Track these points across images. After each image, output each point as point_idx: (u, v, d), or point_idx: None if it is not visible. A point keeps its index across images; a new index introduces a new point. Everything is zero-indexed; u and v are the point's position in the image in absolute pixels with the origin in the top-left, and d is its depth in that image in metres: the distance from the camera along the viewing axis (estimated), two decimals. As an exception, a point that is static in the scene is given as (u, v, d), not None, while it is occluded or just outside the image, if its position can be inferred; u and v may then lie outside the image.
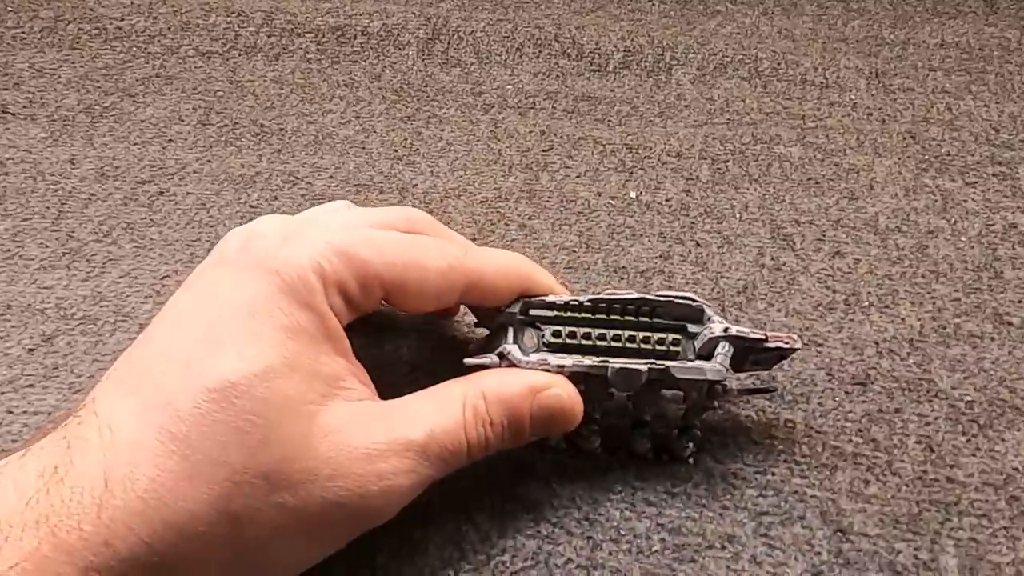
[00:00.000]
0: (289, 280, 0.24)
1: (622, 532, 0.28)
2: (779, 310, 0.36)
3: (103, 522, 0.20)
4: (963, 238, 0.40)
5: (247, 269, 0.24)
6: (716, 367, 0.28)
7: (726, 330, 0.28)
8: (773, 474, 0.30)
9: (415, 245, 0.27)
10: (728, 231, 0.40)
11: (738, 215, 0.41)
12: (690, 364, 0.28)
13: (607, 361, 0.28)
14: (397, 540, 0.28)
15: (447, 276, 0.27)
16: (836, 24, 0.57)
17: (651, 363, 0.28)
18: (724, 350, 0.28)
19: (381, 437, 0.23)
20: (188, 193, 0.42)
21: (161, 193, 0.42)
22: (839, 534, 0.28)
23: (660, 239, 0.40)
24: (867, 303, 0.37)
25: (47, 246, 0.39)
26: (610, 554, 0.27)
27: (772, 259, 0.39)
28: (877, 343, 0.35)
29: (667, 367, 0.28)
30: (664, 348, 0.28)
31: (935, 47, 0.54)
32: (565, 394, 0.27)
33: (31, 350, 0.34)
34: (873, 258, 0.39)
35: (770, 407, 0.32)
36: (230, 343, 0.23)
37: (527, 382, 0.26)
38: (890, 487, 0.29)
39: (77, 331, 0.35)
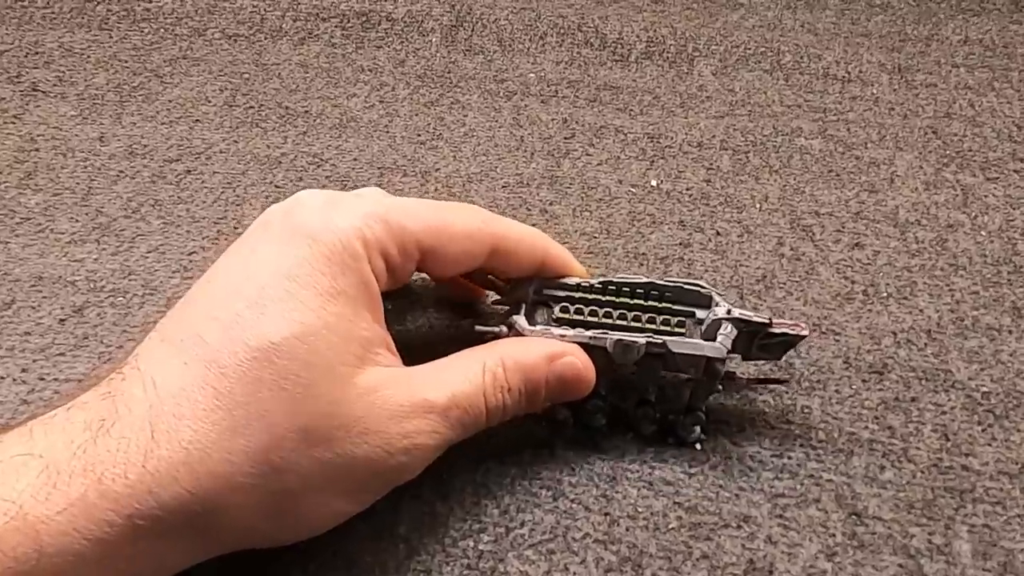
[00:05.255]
0: (331, 246, 0.25)
1: (639, 509, 0.28)
2: (797, 299, 0.37)
3: (148, 471, 0.21)
4: (983, 232, 0.40)
5: (291, 236, 0.25)
6: (715, 345, 0.29)
7: (729, 312, 0.29)
8: (789, 458, 0.30)
9: (445, 208, 0.28)
10: (748, 221, 0.41)
11: (758, 205, 0.42)
12: (688, 340, 0.29)
13: (606, 333, 0.28)
14: (418, 512, 0.28)
15: (475, 237, 0.28)
16: (859, 19, 0.57)
17: (649, 337, 0.28)
18: (726, 331, 0.29)
19: (407, 399, 0.25)
20: (215, 172, 0.43)
21: (188, 172, 0.43)
22: (854, 517, 0.28)
23: (680, 227, 0.40)
24: (885, 294, 0.37)
25: (77, 220, 0.40)
26: (627, 530, 0.28)
27: (791, 249, 0.39)
28: (895, 333, 0.35)
29: (664, 341, 0.28)
30: (668, 328, 0.29)
31: (959, 43, 0.54)
32: (579, 362, 0.28)
33: (62, 320, 0.35)
34: (892, 250, 0.39)
35: (787, 393, 0.32)
36: (272, 306, 0.23)
37: (544, 350, 0.28)
38: (905, 473, 0.30)
39: (106, 303, 0.36)
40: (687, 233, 0.40)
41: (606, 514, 0.28)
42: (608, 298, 0.30)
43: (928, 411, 0.32)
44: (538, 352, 0.27)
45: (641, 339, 0.28)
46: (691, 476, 0.30)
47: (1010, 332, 0.35)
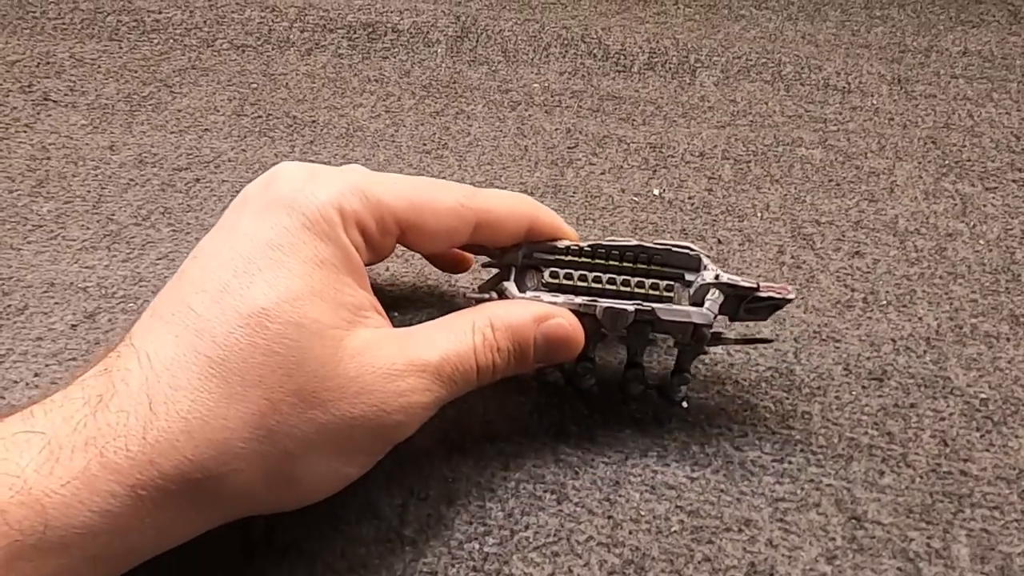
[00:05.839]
0: (312, 216, 0.25)
1: (642, 513, 0.29)
2: (798, 306, 0.37)
3: (148, 442, 0.22)
4: (981, 241, 0.41)
5: (271, 207, 0.26)
6: (703, 311, 0.29)
7: (717, 277, 0.29)
8: (790, 463, 0.31)
9: (427, 185, 0.28)
10: (749, 229, 0.41)
11: (759, 214, 0.42)
12: (676, 307, 0.29)
13: (596, 300, 0.29)
14: (424, 514, 0.29)
15: (458, 213, 0.28)
16: (859, 30, 0.58)
17: (638, 304, 0.29)
18: (714, 296, 0.29)
19: (400, 359, 0.25)
20: (223, 181, 0.44)
21: (197, 180, 0.44)
22: (853, 521, 0.29)
23: (682, 235, 0.41)
24: (885, 302, 0.37)
25: (88, 228, 0.40)
26: (630, 533, 0.28)
27: (792, 257, 0.40)
28: (894, 340, 0.35)
29: (653, 308, 0.29)
30: (657, 293, 0.29)
31: (958, 54, 0.55)
32: (567, 323, 0.28)
33: (74, 326, 0.35)
34: (892, 259, 0.40)
35: (788, 399, 0.33)
36: (260, 274, 0.24)
37: (532, 312, 0.28)
38: (904, 478, 0.30)
39: (118, 309, 0.36)
40: (689, 241, 0.40)
41: (609, 517, 0.29)
42: (598, 261, 0.30)
43: (927, 417, 0.32)
44: (526, 313, 0.28)
45: (630, 307, 0.29)
46: (693, 480, 0.30)
47: (1008, 340, 0.36)
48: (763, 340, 0.32)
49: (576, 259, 0.30)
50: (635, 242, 0.30)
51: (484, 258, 0.33)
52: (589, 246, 0.30)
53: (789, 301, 0.30)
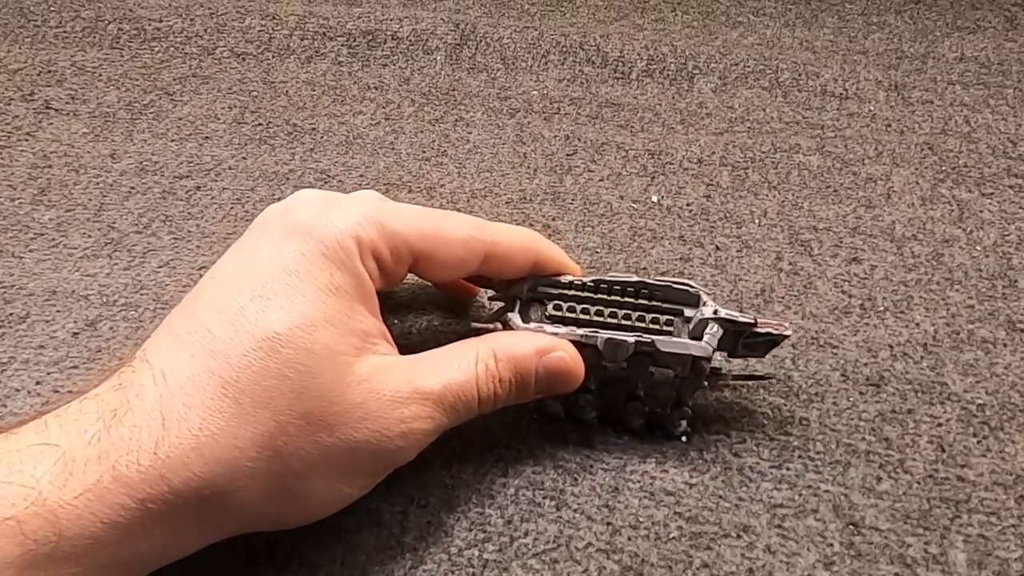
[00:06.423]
0: (329, 244, 0.26)
1: (641, 519, 0.29)
2: (796, 312, 0.37)
3: (159, 458, 0.22)
4: (978, 247, 0.41)
5: (290, 233, 0.26)
6: (701, 344, 0.29)
7: (716, 312, 0.30)
8: (788, 469, 0.31)
9: (440, 216, 0.29)
10: (747, 236, 0.42)
11: (757, 221, 0.43)
12: (676, 340, 0.30)
13: (597, 332, 0.29)
14: (424, 522, 0.29)
15: (468, 244, 0.29)
16: (856, 37, 0.58)
17: (638, 336, 0.29)
18: (712, 331, 0.30)
19: (404, 386, 0.26)
20: (224, 188, 0.44)
21: (198, 188, 0.44)
22: (851, 527, 0.29)
23: (680, 242, 0.41)
24: (882, 308, 0.38)
25: (90, 236, 0.41)
26: (629, 539, 0.29)
27: (790, 264, 0.40)
28: (891, 346, 0.36)
29: (652, 340, 0.29)
30: (657, 327, 0.30)
31: (954, 61, 0.55)
32: (569, 356, 0.29)
33: (75, 334, 0.35)
34: (889, 265, 0.40)
35: (785, 405, 0.33)
36: (275, 299, 0.25)
37: (534, 343, 0.29)
38: (902, 484, 0.30)
39: (119, 317, 0.36)
40: (687, 248, 0.41)
41: (608, 524, 0.29)
42: (600, 296, 0.31)
43: (924, 423, 0.33)
44: (529, 345, 0.28)
45: (631, 338, 0.29)
46: (691, 486, 0.30)
47: (1005, 345, 0.36)
48: (762, 376, 0.33)
49: (579, 293, 0.31)
50: (636, 278, 0.31)
51: (491, 292, 0.34)
52: (592, 281, 0.31)
53: (786, 337, 0.31)
